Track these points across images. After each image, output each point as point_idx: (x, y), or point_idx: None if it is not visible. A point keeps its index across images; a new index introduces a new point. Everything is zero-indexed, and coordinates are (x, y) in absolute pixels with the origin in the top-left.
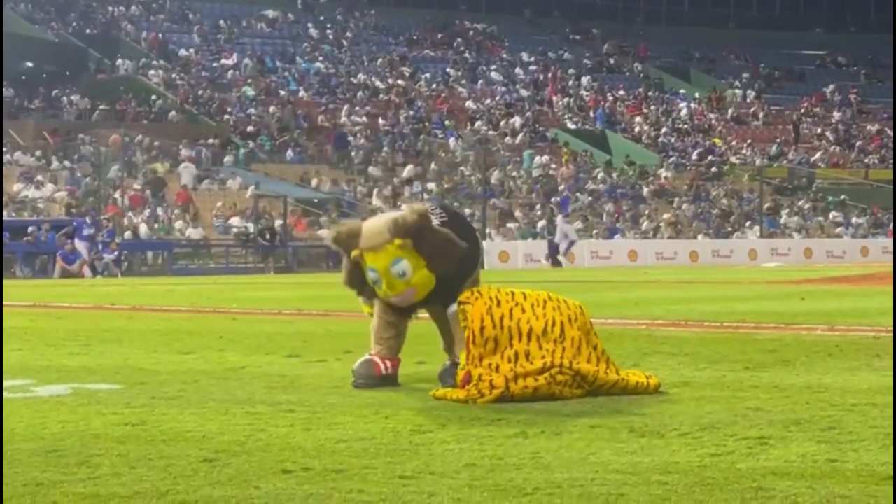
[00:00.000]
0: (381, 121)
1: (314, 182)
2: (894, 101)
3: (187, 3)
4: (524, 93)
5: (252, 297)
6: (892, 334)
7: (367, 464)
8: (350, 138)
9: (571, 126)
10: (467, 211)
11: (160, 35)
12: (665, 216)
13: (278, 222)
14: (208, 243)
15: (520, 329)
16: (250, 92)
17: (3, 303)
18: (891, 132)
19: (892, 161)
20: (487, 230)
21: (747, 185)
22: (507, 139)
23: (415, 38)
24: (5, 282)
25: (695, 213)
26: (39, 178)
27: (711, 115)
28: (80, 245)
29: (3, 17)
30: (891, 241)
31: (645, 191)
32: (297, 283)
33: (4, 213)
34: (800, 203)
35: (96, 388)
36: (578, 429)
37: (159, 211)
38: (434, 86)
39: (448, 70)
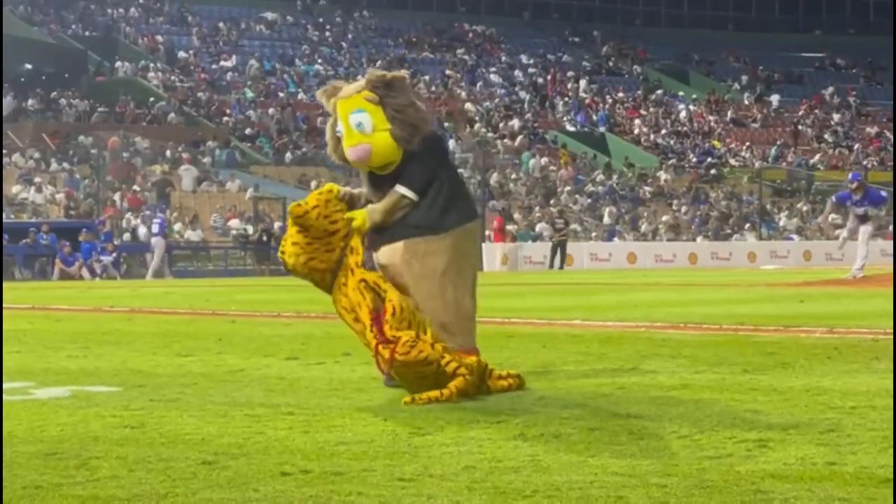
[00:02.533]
0: None
1: (313, 184)
2: (894, 104)
3: (186, 5)
4: (523, 95)
5: (251, 299)
6: (891, 337)
7: (366, 466)
8: None
9: (570, 128)
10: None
11: (159, 37)
12: (664, 218)
13: (277, 224)
14: (207, 245)
15: (424, 325)
16: (250, 94)
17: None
18: (890, 134)
19: (891, 163)
20: (486, 232)
21: (746, 187)
22: (506, 141)
23: (414, 39)
24: (4, 284)
25: (694, 216)
26: (38, 180)
27: (710, 118)
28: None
29: (2, 19)
30: (890, 243)
31: (644, 193)
32: (296, 286)
33: (3, 215)
34: (799, 205)
35: (95, 391)
36: (577, 431)
37: (158, 213)
38: (433, 88)
39: (447, 72)
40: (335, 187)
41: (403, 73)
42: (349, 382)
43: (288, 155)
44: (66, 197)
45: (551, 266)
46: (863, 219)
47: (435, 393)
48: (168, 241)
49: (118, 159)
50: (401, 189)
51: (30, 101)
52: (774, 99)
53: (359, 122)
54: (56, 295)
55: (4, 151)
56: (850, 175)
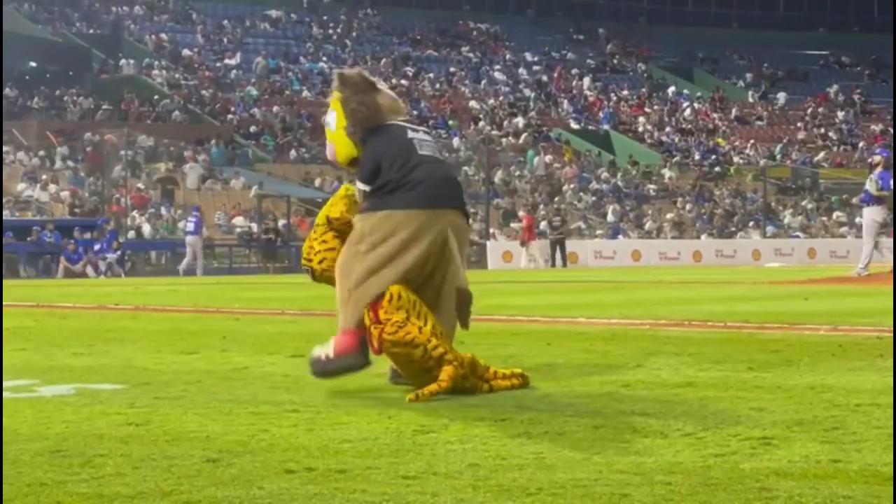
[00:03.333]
0: None
1: (317, 182)
2: (894, 103)
3: (191, 3)
4: (528, 92)
5: (255, 297)
6: (893, 334)
7: (370, 464)
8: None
9: (575, 126)
10: (470, 211)
11: (163, 35)
12: (668, 216)
13: (282, 222)
14: (212, 243)
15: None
16: (254, 92)
17: (7, 303)
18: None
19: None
20: (491, 230)
21: (751, 185)
22: (511, 139)
23: (418, 37)
24: (9, 282)
25: (698, 213)
26: (43, 177)
27: (715, 115)
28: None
29: (6, 17)
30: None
31: (648, 190)
32: (301, 283)
33: (7, 212)
34: (803, 203)
35: (100, 389)
36: (582, 429)
37: (162, 211)
38: (437, 85)
39: (451, 70)
40: (351, 188)
41: (359, 70)
42: (353, 380)
43: (292, 153)
44: (71, 195)
45: (553, 264)
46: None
47: (434, 386)
48: (173, 240)
49: (99, 153)
50: (356, 183)
51: (34, 99)
52: (779, 97)
53: (327, 122)
54: (61, 293)
55: (9, 149)
56: (882, 151)
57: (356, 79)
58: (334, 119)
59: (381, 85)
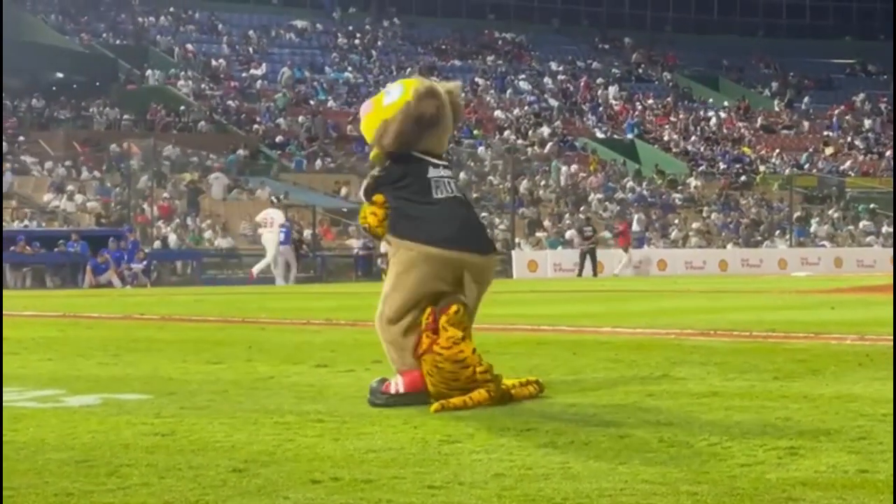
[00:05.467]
0: None
1: (343, 191)
2: (894, 105)
3: (216, 13)
4: (553, 102)
5: (281, 307)
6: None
7: (395, 474)
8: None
9: (600, 135)
10: (495, 220)
11: (189, 46)
12: (694, 225)
13: (307, 232)
14: (237, 253)
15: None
16: (282, 100)
17: (33, 313)
18: None
19: None
20: (516, 240)
21: (777, 194)
22: (536, 148)
23: (443, 47)
24: (35, 292)
25: (724, 223)
26: (70, 188)
27: (740, 124)
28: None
29: (34, 28)
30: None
31: (674, 199)
32: (326, 293)
33: (34, 223)
34: (830, 212)
35: (126, 398)
36: (607, 439)
37: (188, 221)
38: (462, 95)
39: (476, 79)
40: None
41: (453, 88)
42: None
43: (318, 162)
44: (100, 205)
45: (580, 274)
46: None
47: (460, 401)
48: (198, 250)
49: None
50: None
51: (61, 110)
52: (805, 105)
53: (390, 90)
54: (87, 303)
55: (35, 160)
56: None
57: (431, 104)
58: (395, 96)
59: (447, 119)
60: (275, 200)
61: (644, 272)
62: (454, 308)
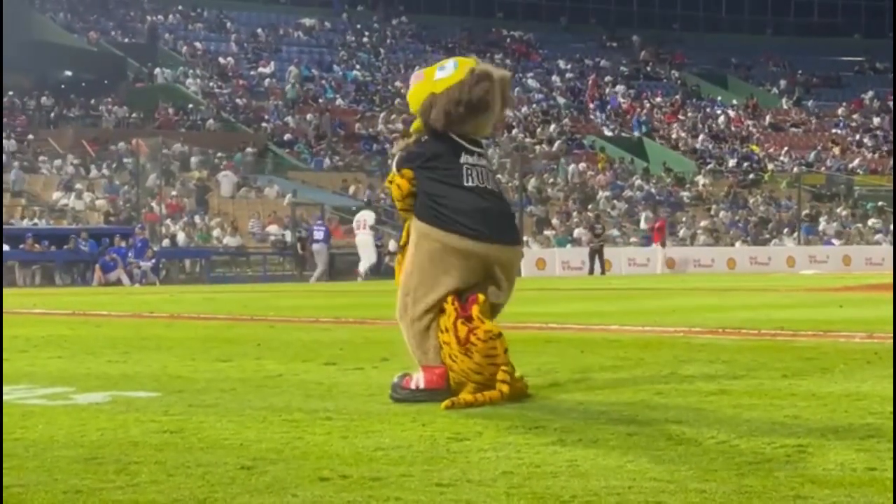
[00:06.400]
0: None
1: (351, 189)
2: (894, 107)
3: (225, 11)
4: (561, 100)
5: (289, 305)
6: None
7: (404, 471)
8: (388, 146)
9: (608, 133)
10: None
11: (198, 44)
12: (702, 223)
13: None
14: (246, 251)
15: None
16: (291, 91)
17: (43, 311)
18: None
19: None
20: (525, 237)
21: (785, 192)
22: (544, 146)
23: (451, 45)
24: (45, 290)
25: (732, 221)
26: (79, 186)
27: (749, 122)
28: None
29: (43, 26)
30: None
31: (682, 197)
32: (335, 291)
33: (43, 221)
34: (838, 210)
35: (135, 396)
36: (615, 437)
37: (197, 219)
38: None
39: None
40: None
41: (504, 76)
42: (387, 387)
43: (326, 161)
44: (109, 203)
45: (591, 272)
46: None
47: (470, 397)
48: (207, 248)
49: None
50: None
51: (70, 108)
52: (813, 103)
53: (445, 66)
54: (96, 301)
55: (45, 158)
56: None
57: (483, 88)
58: (449, 73)
59: (496, 106)
60: (364, 201)
61: (681, 270)
62: (482, 297)
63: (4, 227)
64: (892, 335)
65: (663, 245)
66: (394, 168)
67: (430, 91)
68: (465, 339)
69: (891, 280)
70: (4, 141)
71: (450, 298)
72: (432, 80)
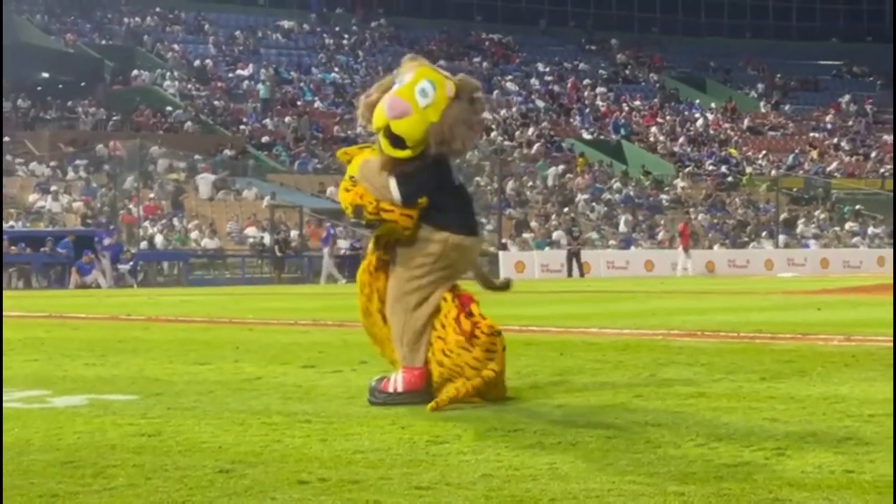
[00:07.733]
0: None
1: (329, 192)
2: (894, 109)
3: (203, 13)
4: (540, 103)
5: (267, 307)
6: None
7: (383, 474)
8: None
9: (587, 136)
10: (482, 220)
11: (176, 46)
12: (681, 226)
13: (294, 232)
14: (224, 254)
15: None
16: (264, 90)
17: (20, 313)
18: None
19: None
20: (503, 240)
21: (763, 195)
22: (523, 149)
23: (430, 48)
24: (22, 293)
25: (711, 224)
26: (55, 188)
27: (727, 125)
28: (102, 256)
29: (20, 28)
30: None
31: (661, 201)
32: (313, 294)
33: (20, 223)
34: (816, 213)
35: (112, 399)
36: (595, 439)
37: (175, 221)
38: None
39: None
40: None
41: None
42: (366, 390)
43: (305, 163)
44: (84, 205)
45: (569, 275)
46: None
47: (452, 392)
48: (185, 251)
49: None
50: (391, 182)
51: (47, 110)
52: (791, 107)
53: (423, 89)
54: (73, 303)
55: (22, 160)
56: None
57: (479, 104)
58: (431, 98)
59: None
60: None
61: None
62: (476, 297)
63: None
64: (870, 338)
65: (686, 250)
66: (403, 203)
67: (427, 122)
68: (471, 332)
69: (868, 283)
70: None
71: (448, 296)
72: (420, 109)
